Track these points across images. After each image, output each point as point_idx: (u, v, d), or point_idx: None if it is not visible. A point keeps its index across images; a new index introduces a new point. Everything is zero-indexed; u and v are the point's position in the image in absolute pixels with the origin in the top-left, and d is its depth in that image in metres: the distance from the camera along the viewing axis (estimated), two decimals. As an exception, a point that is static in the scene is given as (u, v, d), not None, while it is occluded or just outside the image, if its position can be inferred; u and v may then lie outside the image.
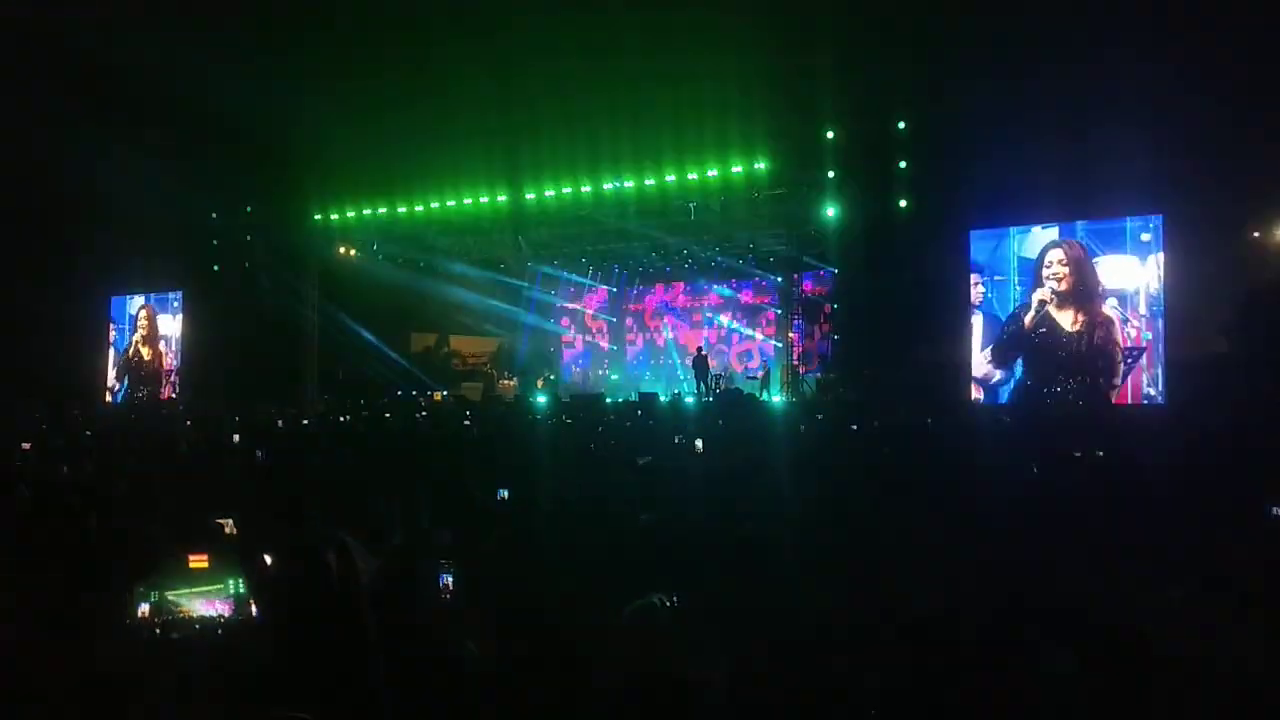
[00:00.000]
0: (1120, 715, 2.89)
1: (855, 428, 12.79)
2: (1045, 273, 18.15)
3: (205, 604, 1.63)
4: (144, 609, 1.57)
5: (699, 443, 10.93)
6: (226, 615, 1.60)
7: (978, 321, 18.75)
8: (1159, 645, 3.03)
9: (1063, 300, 17.92)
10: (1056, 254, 18.09)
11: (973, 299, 18.81)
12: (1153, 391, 16.95)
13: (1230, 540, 3.98)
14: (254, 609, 1.47)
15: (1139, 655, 2.95)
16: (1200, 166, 15.75)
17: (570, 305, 30.51)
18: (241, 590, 1.56)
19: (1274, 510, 5.30)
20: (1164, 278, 17.00)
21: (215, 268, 25.40)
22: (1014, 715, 3.07)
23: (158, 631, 1.51)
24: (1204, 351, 16.42)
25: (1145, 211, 17.35)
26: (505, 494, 6.53)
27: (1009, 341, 18.33)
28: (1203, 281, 16.48)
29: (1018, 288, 18.47)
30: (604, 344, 30.24)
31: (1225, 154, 15.65)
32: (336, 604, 1.10)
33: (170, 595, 1.60)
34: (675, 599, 3.40)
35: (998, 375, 18.41)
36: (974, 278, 18.87)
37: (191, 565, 1.66)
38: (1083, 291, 17.78)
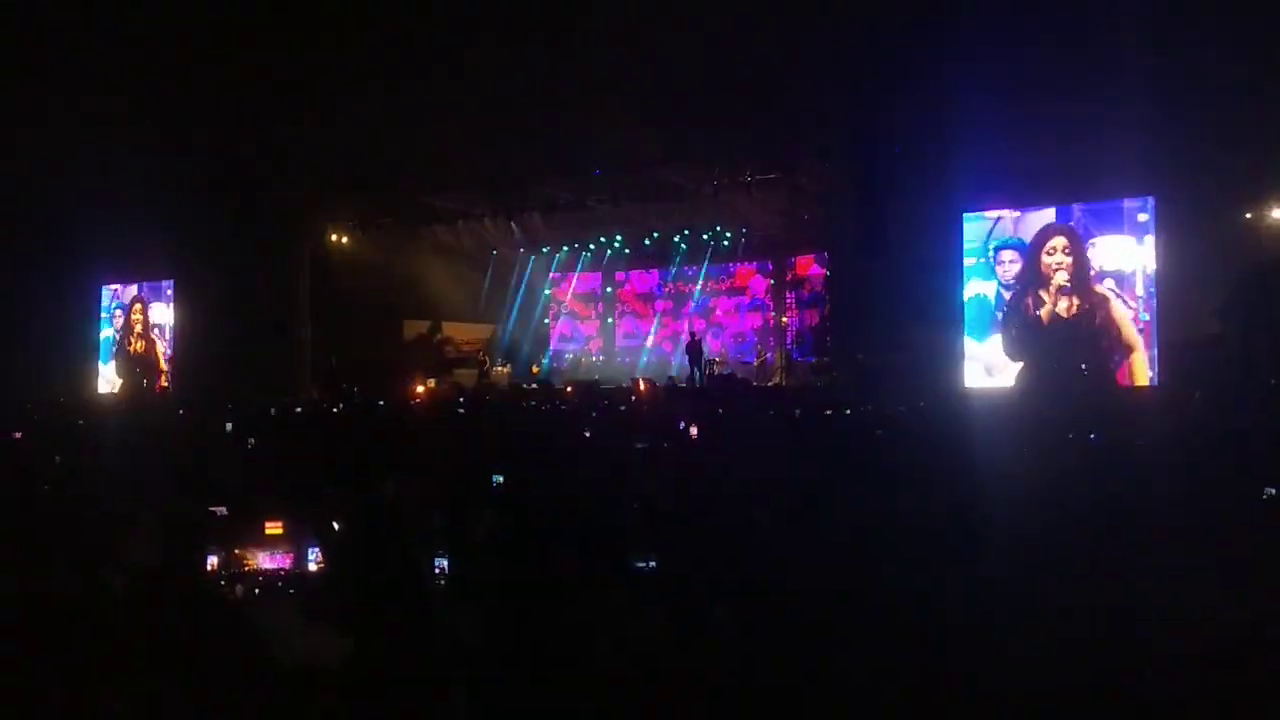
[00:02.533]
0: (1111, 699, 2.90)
1: (848, 412, 12.81)
2: (1047, 260, 18.15)
3: (269, 558, 1.71)
4: (213, 562, 1.65)
5: (693, 429, 10.93)
6: (288, 568, 1.68)
7: (974, 305, 18.78)
8: (1154, 628, 3.03)
9: (1063, 287, 17.96)
10: (1059, 240, 18.10)
11: (965, 281, 18.84)
12: (1150, 374, 17.00)
13: (1226, 520, 3.98)
14: (315, 564, 1.54)
15: (1128, 638, 2.95)
16: (1193, 148, 15.74)
17: (562, 290, 30.48)
18: (305, 547, 1.63)
19: (1269, 491, 5.32)
20: (1157, 259, 17.03)
21: (205, 256, 25.26)
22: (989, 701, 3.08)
23: (223, 583, 1.59)
24: (1197, 334, 16.46)
25: (1138, 193, 17.37)
26: (500, 479, 6.51)
27: (1019, 333, 18.33)
28: (1196, 264, 16.49)
29: (1010, 270, 18.49)
30: (596, 329, 30.22)
31: (1218, 136, 15.63)
32: (404, 554, 1.15)
33: (237, 550, 1.69)
34: (654, 563, 3.40)
35: (1006, 364, 18.42)
36: (968, 260, 18.89)
37: (267, 532, 1.74)
38: (1081, 277, 17.82)
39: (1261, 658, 3.25)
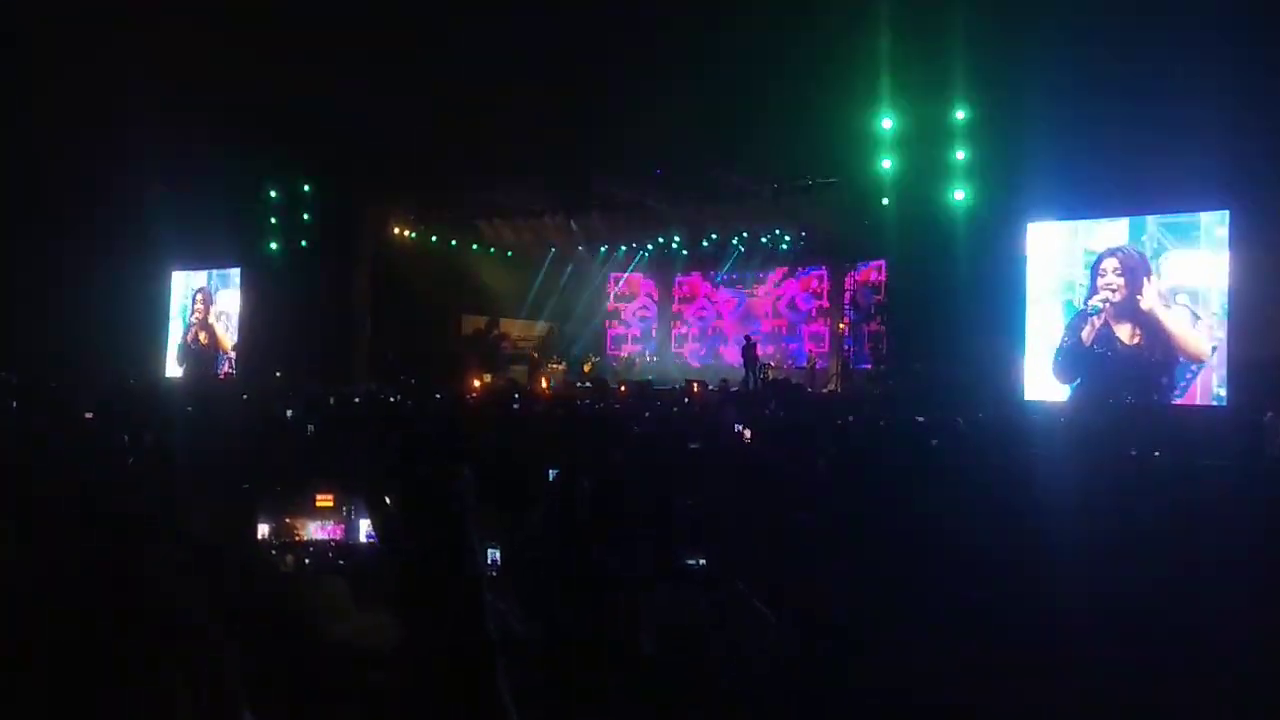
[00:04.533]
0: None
1: (915, 421, 12.64)
2: (1100, 281, 17.79)
3: (320, 529, 1.74)
4: (264, 530, 1.69)
5: (746, 431, 10.90)
6: (339, 539, 1.72)
7: (1041, 315, 18.46)
8: (1212, 647, 2.97)
9: (1119, 312, 17.57)
10: (1111, 263, 17.74)
11: (1031, 293, 18.52)
12: (1222, 393, 16.55)
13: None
14: (366, 536, 1.57)
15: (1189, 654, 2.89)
16: (1272, 160, 15.26)
17: (619, 290, 30.58)
18: (354, 518, 1.66)
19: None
20: (1231, 275, 16.57)
21: (271, 245, 25.83)
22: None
23: (274, 551, 1.63)
24: (1271, 353, 15.95)
25: (1214, 206, 16.91)
26: (553, 474, 6.56)
27: (1068, 356, 18.01)
28: (1273, 280, 15.99)
29: (1081, 287, 18.12)
30: (652, 329, 30.26)
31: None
32: (460, 531, 1.18)
33: (289, 520, 1.73)
34: (704, 560, 3.42)
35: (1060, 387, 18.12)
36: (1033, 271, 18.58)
37: (318, 504, 1.78)
38: (1137, 301, 17.41)
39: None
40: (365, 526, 1.64)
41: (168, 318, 29.80)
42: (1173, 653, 2.94)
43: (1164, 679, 2.90)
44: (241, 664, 1.34)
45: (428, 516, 1.22)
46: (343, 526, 1.64)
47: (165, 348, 29.57)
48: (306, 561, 1.63)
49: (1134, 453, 8.89)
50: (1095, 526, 5.16)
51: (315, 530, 1.60)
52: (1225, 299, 16.69)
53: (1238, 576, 3.67)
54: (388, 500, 1.38)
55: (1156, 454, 9.03)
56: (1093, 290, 17.85)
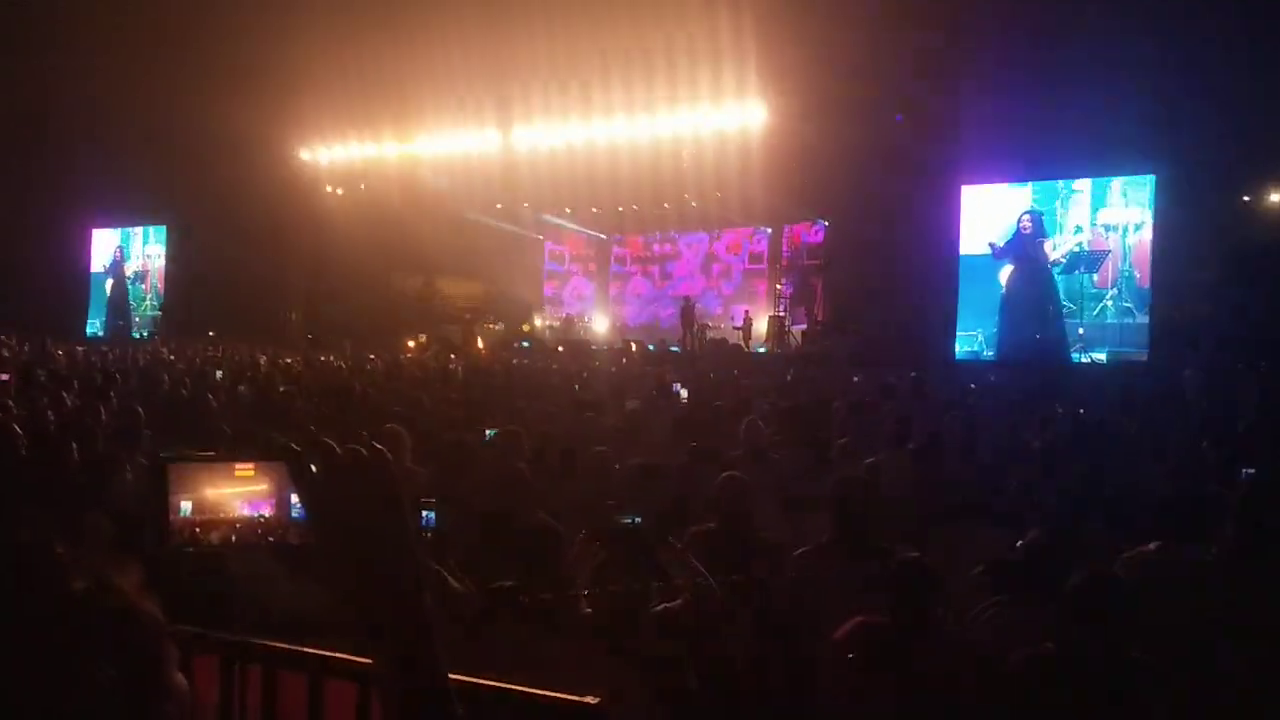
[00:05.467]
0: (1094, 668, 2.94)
1: (856, 380, 12.84)
2: (1019, 237, 18.44)
3: (247, 504, 1.65)
4: (185, 509, 1.59)
5: (683, 390, 10.96)
6: (268, 515, 1.63)
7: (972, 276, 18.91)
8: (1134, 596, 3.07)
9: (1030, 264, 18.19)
10: (1025, 220, 18.34)
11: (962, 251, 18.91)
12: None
13: (1205, 498, 4.01)
14: (297, 512, 1.50)
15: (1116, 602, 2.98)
16: (1194, 130, 15.71)
17: (556, 250, 30.35)
18: (285, 495, 1.58)
19: (1246, 472, 5.34)
20: (1154, 237, 17.06)
21: (198, 203, 25.07)
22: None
23: (198, 531, 1.54)
24: (1190, 312, 16.51)
25: (1138, 171, 17.37)
26: (491, 434, 6.53)
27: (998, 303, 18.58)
28: (1192, 243, 16.52)
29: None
30: (590, 290, 30.15)
31: (1219, 118, 15.60)
32: (391, 507, 1.13)
33: (210, 495, 1.63)
34: (639, 519, 3.43)
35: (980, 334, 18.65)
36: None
37: (237, 474, 1.68)
38: (1041, 255, 18.02)
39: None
40: (295, 500, 1.60)
41: (88, 276, 28.86)
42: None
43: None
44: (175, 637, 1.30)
45: (356, 486, 1.17)
46: (271, 501, 1.58)
47: (87, 307, 28.67)
48: (233, 539, 1.58)
49: (1060, 410, 9.13)
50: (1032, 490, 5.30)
51: (241, 505, 1.54)
52: (1145, 260, 17.23)
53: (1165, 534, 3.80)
54: (313, 469, 1.33)
55: (1081, 410, 9.29)
56: (1014, 246, 18.39)
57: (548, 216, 28.45)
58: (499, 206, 26.95)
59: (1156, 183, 17.30)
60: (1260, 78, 14.93)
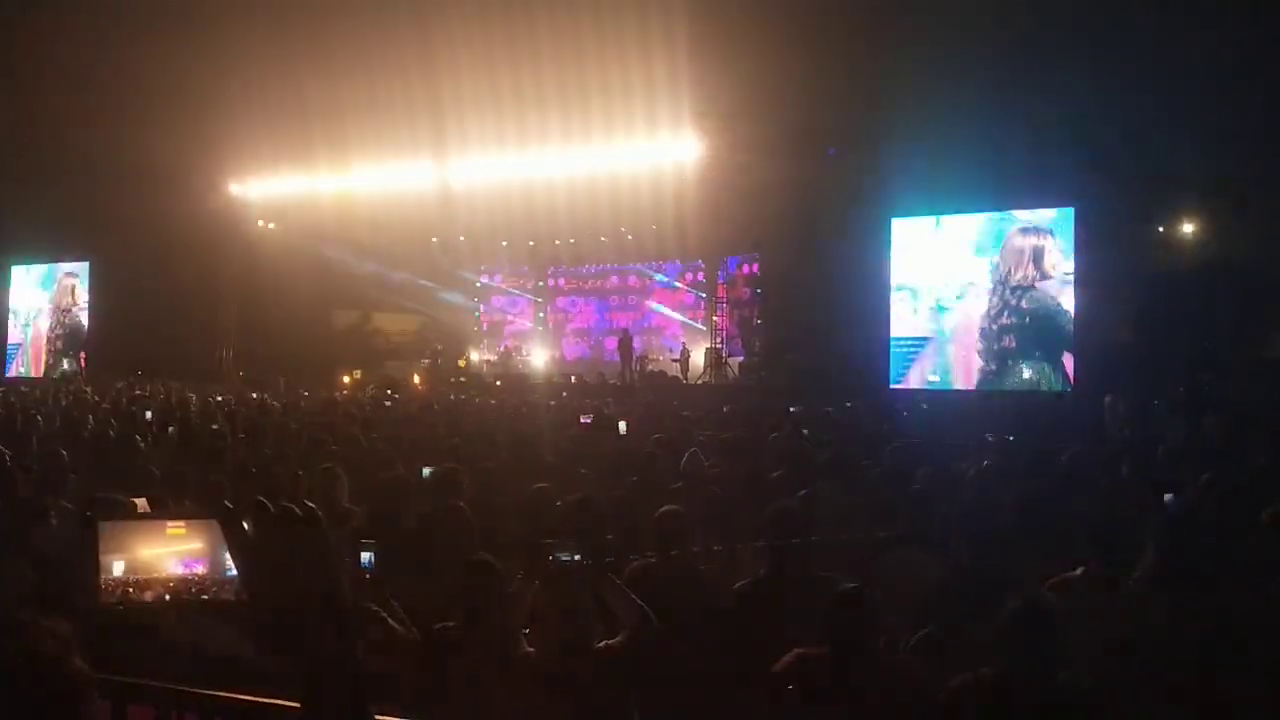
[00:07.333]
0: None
1: (792, 410, 12.99)
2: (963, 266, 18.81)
3: (180, 563, 1.62)
4: (117, 570, 1.56)
5: (622, 424, 10.97)
6: (203, 573, 1.61)
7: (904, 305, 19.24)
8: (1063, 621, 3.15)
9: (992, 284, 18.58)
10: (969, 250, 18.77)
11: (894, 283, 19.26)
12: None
13: (1129, 525, 4.15)
14: (230, 569, 1.47)
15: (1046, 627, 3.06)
16: (1111, 164, 16.34)
17: (494, 284, 30.24)
18: (218, 553, 1.55)
19: (1167, 498, 5.52)
20: (1076, 267, 17.59)
21: (124, 238, 24.49)
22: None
23: (131, 591, 1.50)
24: (1112, 339, 17.04)
25: (1059, 203, 17.91)
26: (429, 471, 6.47)
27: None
28: (1112, 273, 17.09)
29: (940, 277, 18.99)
30: (528, 324, 30.07)
31: (1135, 152, 16.26)
32: (318, 568, 1.13)
33: (143, 554, 1.59)
34: (580, 555, 3.44)
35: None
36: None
37: (169, 532, 1.64)
38: (1001, 276, 18.43)
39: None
40: (228, 560, 1.55)
41: (5, 312, 27.95)
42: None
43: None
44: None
45: (290, 542, 1.18)
46: (206, 560, 1.53)
47: (3, 345, 27.75)
48: (167, 598, 1.53)
49: (989, 438, 9.36)
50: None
51: (174, 564, 1.50)
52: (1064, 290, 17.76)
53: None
54: (245, 526, 1.32)
55: (1010, 438, 9.53)
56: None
57: (483, 279, 28.54)
58: (435, 239, 26.75)
59: (1075, 214, 17.85)
60: (1173, 110, 15.64)
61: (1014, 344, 18.15)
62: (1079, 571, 3.91)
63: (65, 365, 26.54)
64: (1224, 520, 4.78)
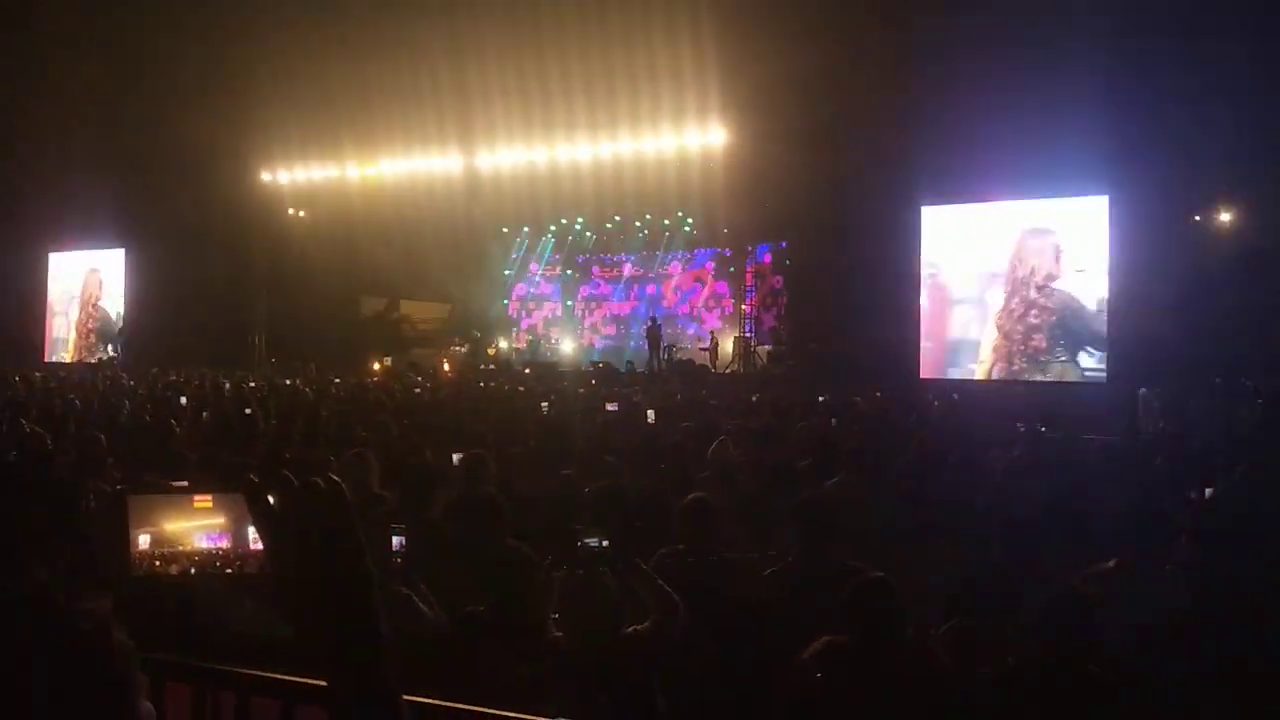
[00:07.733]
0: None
1: (821, 400, 12.95)
2: (989, 257, 18.63)
3: (205, 537, 1.65)
4: (144, 543, 1.59)
5: (650, 413, 10.98)
6: (227, 547, 1.64)
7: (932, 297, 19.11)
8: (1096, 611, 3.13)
9: (1009, 283, 18.38)
10: (1000, 241, 18.59)
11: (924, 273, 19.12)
12: (1097, 367, 17.42)
13: (1161, 517, 4.10)
14: (255, 543, 1.51)
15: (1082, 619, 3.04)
16: (1147, 152, 16.08)
17: (523, 271, 30.32)
18: (243, 527, 1.58)
19: (1193, 493, 5.44)
20: (1110, 257, 17.37)
21: (158, 226, 24.79)
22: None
23: (158, 564, 1.54)
24: (1145, 332, 16.80)
25: (1093, 192, 17.70)
26: (458, 458, 6.51)
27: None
28: (1147, 264, 16.84)
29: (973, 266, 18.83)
30: (556, 313, 30.12)
31: (1172, 140, 15.98)
32: (341, 538, 1.13)
33: (170, 528, 1.63)
34: (608, 542, 3.44)
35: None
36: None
37: (195, 506, 1.68)
38: (1020, 276, 18.26)
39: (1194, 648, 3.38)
40: (253, 533, 1.59)
41: (45, 303, 28.39)
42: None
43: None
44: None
45: (313, 514, 1.18)
46: (229, 534, 1.57)
47: (44, 334, 28.18)
48: (192, 571, 1.57)
49: (1021, 427, 9.27)
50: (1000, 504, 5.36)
51: (199, 538, 1.54)
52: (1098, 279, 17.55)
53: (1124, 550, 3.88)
54: (270, 498, 1.34)
55: (1042, 429, 9.44)
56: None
57: (515, 239, 28.56)
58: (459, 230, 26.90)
59: (1110, 201, 17.63)
60: (1210, 100, 15.36)
61: (1044, 343, 18.04)
62: (1112, 563, 3.87)
63: (109, 350, 26.89)
64: (1258, 511, 4.72)
